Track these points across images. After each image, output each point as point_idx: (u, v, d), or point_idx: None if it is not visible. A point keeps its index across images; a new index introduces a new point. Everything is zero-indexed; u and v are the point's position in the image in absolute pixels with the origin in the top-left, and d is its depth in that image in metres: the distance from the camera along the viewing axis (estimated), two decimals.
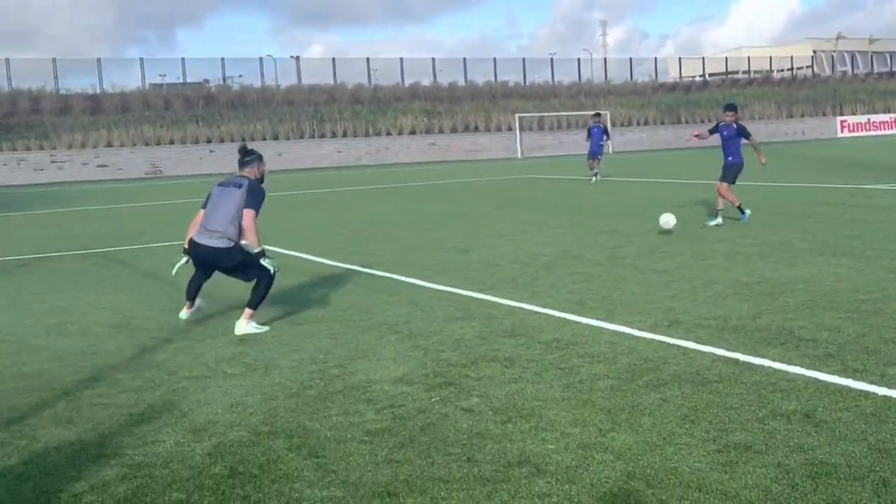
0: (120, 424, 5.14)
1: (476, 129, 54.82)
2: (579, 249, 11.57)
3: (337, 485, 4.11)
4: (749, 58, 73.76)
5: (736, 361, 5.83)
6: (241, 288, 8.03)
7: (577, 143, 37.79)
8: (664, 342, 6.45)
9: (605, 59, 73.51)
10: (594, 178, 25.23)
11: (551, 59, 66.54)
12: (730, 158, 13.71)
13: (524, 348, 6.46)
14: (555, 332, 6.95)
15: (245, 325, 7.43)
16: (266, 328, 7.52)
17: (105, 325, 8.06)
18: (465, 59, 62.58)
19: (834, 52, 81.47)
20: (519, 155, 52.06)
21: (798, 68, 75.70)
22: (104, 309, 8.88)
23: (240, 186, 7.56)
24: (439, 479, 4.12)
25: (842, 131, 63.01)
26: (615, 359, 6.05)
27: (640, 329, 6.88)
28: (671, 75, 72.83)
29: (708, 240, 11.91)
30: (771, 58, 74.21)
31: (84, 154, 45.57)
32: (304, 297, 9.05)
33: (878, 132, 62.49)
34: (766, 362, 5.76)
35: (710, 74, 71.92)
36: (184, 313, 7.95)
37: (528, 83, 63.72)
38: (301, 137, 50.90)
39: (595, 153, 25.41)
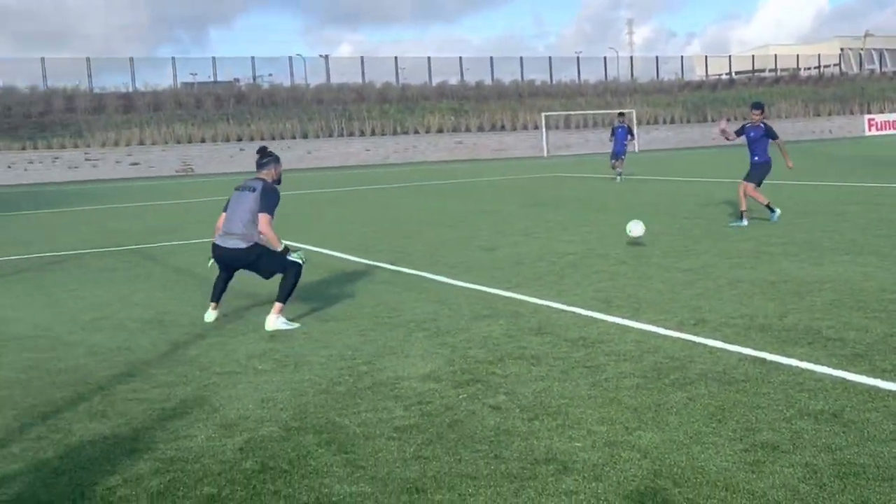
0: (153, 419, 5.24)
1: (503, 127, 54.81)
2: (605, 248, 11.57)
3: (366, 480, 4.16)
4: (776, 56, 73.07)
5: (763, 361, 5.82)
6: (272, 284, 8.12)
7: (603, 141, 37.62)
8: (690, 341, 6.46)
9: (631, 58, 73.23)
10: (618, 178, 25.17)
11: (577, 58, 66.49)
12: (756, 158, 13.62)
13: (550, 346, 6.50)
14: (581, 330, 6.98)
15: (275, 321, 7.53)
16: (296, 325, 7.60)
17: (138, 321, 8.19)
18: (491, 58, 62.59)
19: (862, 49, 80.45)
20: (545, 153, 52.00)
21: (825, 66, 74.93)
22: (137, 305, 9.01)
23: (254, 190, 7.67)
24: (467, 475, 4.16)
25: (869, 130, 62.27)
26: (641, 357, 6.07)
27: (666, 327, 6.89)
28: (697, 73, 72.40)
29: (733, 238, 11.86)
30: (798, 56, 73.53)
31: (117, 152, 46.11)
32: (333, 293, 9.13)
33: None
34: (794, 362, 5.76)
35: (737, 73, 71.33)
36: (209, 314, 8.03)
37: (554, 82, 63.60)
38: (330, 136, 51.15)
39: (619, 153, 25.35)
